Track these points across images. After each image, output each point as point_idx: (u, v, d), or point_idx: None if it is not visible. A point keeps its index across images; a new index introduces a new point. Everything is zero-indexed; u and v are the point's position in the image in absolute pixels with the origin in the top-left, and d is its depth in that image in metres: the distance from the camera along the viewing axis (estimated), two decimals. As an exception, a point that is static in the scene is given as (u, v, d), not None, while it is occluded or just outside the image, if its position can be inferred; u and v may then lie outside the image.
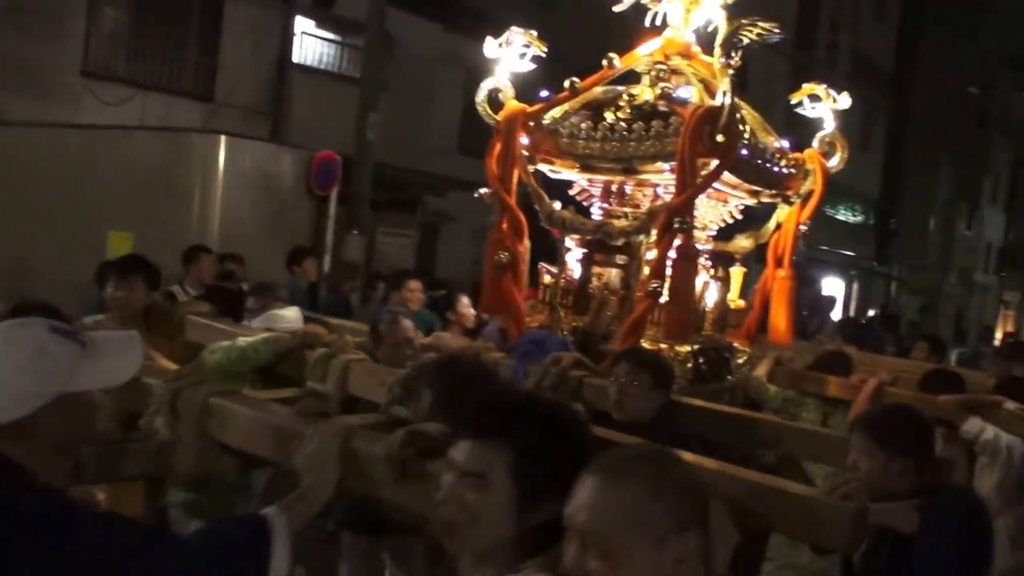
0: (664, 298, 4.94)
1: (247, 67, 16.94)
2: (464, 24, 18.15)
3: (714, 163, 4.85)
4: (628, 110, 5.23)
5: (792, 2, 25.41)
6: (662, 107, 5.18)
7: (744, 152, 5.05)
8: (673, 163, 4.92)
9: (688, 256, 4.94)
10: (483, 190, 5.52)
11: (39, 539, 2.02)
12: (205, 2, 16.75)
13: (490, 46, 5.45)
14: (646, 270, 5.10)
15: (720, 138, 4.73)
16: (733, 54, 4.84)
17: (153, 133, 13.00)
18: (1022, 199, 44.89)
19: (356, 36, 16.25)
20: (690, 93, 5.27)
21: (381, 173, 14.78)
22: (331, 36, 18.73)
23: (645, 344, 4.96)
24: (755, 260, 6.24)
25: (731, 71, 4.84)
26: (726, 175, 5.01)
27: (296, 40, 17.75)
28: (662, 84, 5.26)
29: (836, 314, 19.35)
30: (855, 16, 31.20)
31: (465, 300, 7.68)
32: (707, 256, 5.47)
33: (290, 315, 5.34)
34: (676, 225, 4.83)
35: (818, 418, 5.48)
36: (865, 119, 32.77)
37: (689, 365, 5.11)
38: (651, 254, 5.07)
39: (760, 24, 4.89)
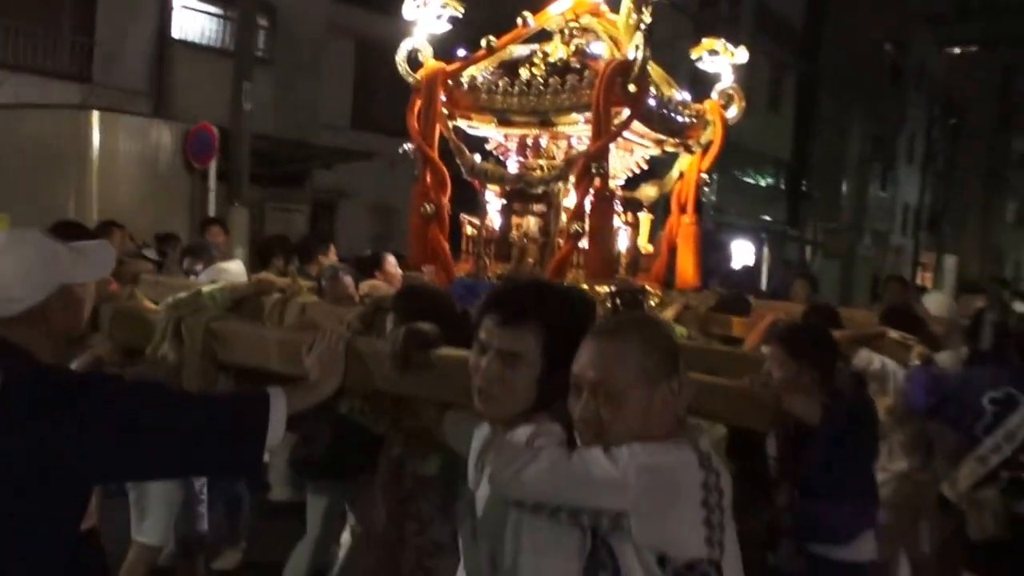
0: (584, 241, 5.72)
1: (125, 44, 16.97)
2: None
3: (626, 112, 5.60)
4: (543, 67, 5.95)
5: (694, -41, 26.24)
6: (575, 63, 5.91)
7: (652, 102, 5.86)
8: (588, 114, 5.64)
9: (605, 199, 5.71)
10: (407, 145, 6.14)
11: (73, 401, 2.58)
12: (78, -23, 16.70)
13: (408, 7, 6.12)
14: (564, 217, 5.87)
15: (632, 88, 5.49)
16: (644, 10, 5.56)
17: (24, 112, 13.27)
18: (939, 159, 45.67)
19: (237, 9, 16.39)
20: (602, 49, 6.04)
21: (267, 148, 15.15)
22: (212, 9, 18.87)
23: (567, 284, 5.66)
24: (661, 209, 7.04)
25: (643, 26, 5.55)
26: (636, 124, 5.78)
27: (175, 15, 17.94)
28: (575, 41, 6.03)
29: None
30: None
31: (392, 259, 8.10)
32: (619, 201, 6.18)
33: (234, 268, 5.94)
34: (593, 170, 5.59)
35: (723, 357, 6.28)
36: (774, 78, 33.76)
37: (608, 305, 5.72)
38: (569, 200, 5.84)
39: (664, -21, 5.64)
